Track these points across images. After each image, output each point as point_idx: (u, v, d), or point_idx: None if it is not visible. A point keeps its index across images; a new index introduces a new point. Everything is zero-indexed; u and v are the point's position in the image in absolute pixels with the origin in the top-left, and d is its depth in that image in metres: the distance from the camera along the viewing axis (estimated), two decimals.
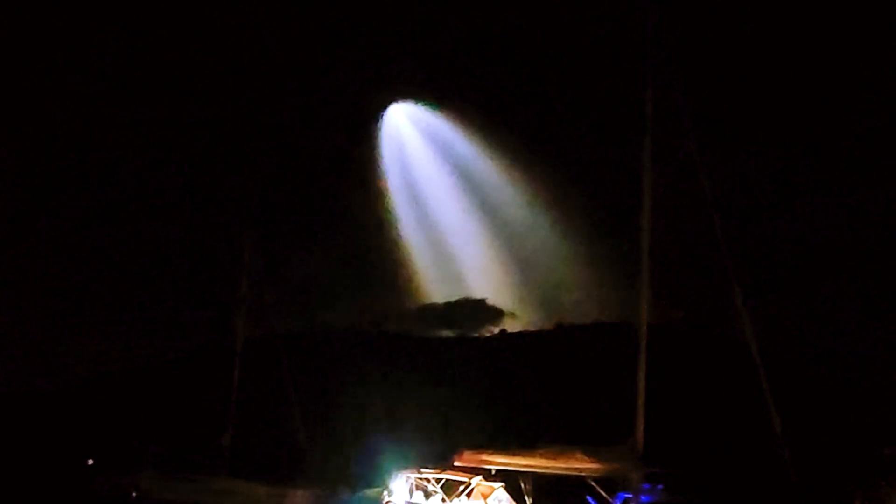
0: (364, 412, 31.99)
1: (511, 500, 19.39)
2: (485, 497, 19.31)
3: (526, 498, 19.07)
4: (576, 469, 17.92)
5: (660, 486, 17.58)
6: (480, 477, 19.38)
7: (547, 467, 18.32)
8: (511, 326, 42.08)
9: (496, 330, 42.18)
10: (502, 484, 19.36)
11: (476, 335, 41.83)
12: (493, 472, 19.15)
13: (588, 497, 17.81)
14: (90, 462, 27.30)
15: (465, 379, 34.16)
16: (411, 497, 20.01)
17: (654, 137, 17.89)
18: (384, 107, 44.21)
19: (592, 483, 17.63)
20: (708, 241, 17.56)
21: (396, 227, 43.79)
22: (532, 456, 18.61)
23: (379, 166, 44.37)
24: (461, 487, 19.37)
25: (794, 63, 34.01)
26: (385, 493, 20.34)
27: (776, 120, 35.27)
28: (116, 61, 37.65)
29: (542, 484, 18.98)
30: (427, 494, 19.93)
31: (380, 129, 44.20)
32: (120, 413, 33.46)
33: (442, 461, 20.11)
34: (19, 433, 31.99)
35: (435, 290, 43.67)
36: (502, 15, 38.03)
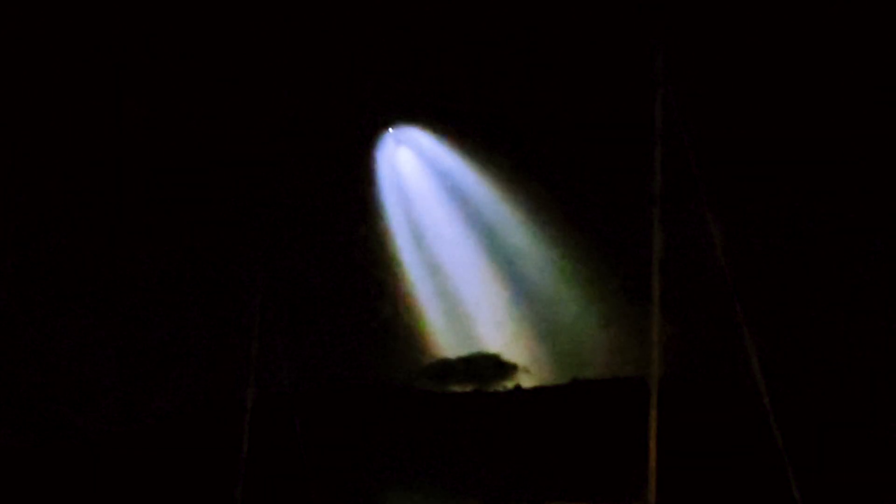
0: (374, 468, 31.80)
1: None
2: None
3: None
4: None
5: None
6: None
7: None
8: (525, 382, 41.80)
9: (510, 385, 41.88)
10: None
11: (489, 390, 41.55)
12: None
13: None
14: None
15: (476, 434, 33.99)
16: None
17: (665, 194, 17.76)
18: (380, 135, 42.62)
19: None
20: (720, 290, 17.37)
21: (406, 281, 43.58)
22: None
23: (381, 211, 43.67)
24: None
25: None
26: None
27: (792, 171, 34.81)
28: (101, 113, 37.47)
29: None
30: None
31: (376, 166, 42.91)
32: (130, 471, 33.34)
33: None
34: (28, 493, 31.94)
35: (447, 344, 43.40)
36: (507, 41, 37.66)
